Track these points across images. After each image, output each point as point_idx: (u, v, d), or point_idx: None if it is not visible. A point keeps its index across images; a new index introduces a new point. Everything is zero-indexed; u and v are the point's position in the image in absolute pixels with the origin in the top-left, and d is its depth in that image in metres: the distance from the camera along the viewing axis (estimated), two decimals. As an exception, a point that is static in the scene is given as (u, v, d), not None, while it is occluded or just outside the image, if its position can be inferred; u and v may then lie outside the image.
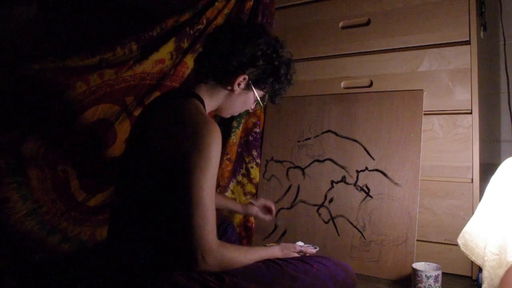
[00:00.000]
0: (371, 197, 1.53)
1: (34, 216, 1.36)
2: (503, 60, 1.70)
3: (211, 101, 1.11)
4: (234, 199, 1.77)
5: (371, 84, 1.62)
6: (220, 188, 1.75)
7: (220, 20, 1.69)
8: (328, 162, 1.64)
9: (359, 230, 1.52)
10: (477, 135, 1.42)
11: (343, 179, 1.59)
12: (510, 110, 1.68)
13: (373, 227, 1.50)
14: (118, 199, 1.07)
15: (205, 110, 1.06)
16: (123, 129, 1.53)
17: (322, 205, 1.62)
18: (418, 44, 1.53)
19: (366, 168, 1.55)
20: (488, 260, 1.02)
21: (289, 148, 1.74)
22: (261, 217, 1.51)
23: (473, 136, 1.43)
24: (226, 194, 1.77)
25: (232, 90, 1.09)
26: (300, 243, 1.18)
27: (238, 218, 1.73)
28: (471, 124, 1.43)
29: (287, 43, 1.15)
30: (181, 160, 0.90)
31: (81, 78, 1.45)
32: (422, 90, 1.51)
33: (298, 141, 1.72)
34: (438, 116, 1.49)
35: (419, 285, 1.26)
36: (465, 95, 1.45)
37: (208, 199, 0.89)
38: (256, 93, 1.12)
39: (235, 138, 1.76)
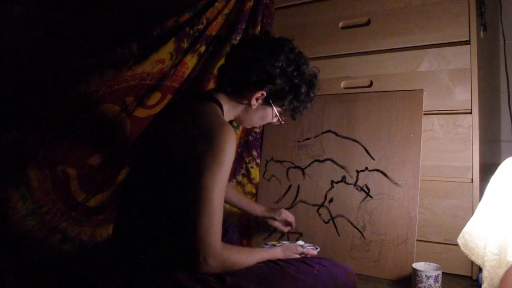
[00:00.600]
0: (371, 197, 1.53)
1: (34, 216, 1.36)
2: (503, 60, 1.70)
3: (230, 110, 1.11)
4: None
5: (371, 84, 1.62)
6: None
7: (220, 20, 1.69)
8: (328, 162, 1.64)
9: (359, 230, 1.52)
10: (477, 135, 1.42)
11: (343, 179, 1.59)
12: (510, 110, 1.68)
13: (373, 227, 1.50)
14: (126, 197, 1.08)
15: (223, 115, 1.06)
16: (123, 129, 1.53)
17: (322, 205, 1.62)
18: (418, 44, 1.53)
19: (366, 168, 1.55)
20: (488, 260, 1.02)
21: (289, 148, 1.74)
22: (280, 229, 1.55)
23: (473, 136, 1.43)
24: (226, 194, 1.77)
25: (249, 104, 1.08)
26: (300, 242, 1.18)
27: (238, 219, 1.73)
28: (471, 124, 1.43)
29: (287, 43, 1.14)
30: (195, 160, 0.90)
31: (81, 78, 1.45)
32: (422, 90, 1.51)
33: (298, 141, 1.72)
34: (438, 116, 1.49)
35: (419, 285, 1.26)
36: (465, 95, 1.45)
37: (217, 201, 0.89)
38: (275, 109, 1.11)
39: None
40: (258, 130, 1.80)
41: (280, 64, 1.05)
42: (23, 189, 1.34)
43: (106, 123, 1.50)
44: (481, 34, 1.46)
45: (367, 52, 1.63)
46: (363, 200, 1.54)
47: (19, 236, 1.32)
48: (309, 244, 1.20)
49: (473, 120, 1.43)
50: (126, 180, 1.11)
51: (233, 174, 1.78)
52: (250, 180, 1.78)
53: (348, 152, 1.60)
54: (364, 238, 1.51)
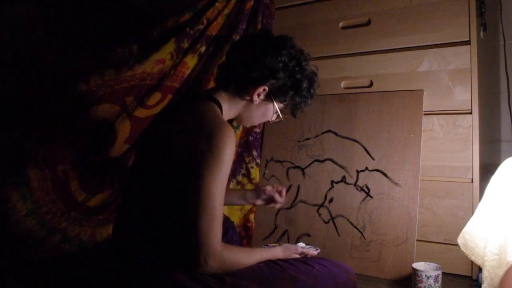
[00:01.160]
0: (371, 197, 1.53)
1: (34, 216, 1.36)
2: (503, 60, 1.70)
3: (230, 109, 1.10)
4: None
5: (371, 84, 1.62)
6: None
7: (220, 20, 1.69)
8: (328, 162, 1.64)
9: (359, 230, 1.52)
10: (477, 135, 1.42)
11: (343, 179, 1.59)
12: (510, 110, 1.68)
13: (373, 227, 1.50)
14: (126, 197, 1.08)
15: (222, 115, 1.05)
16: (123, 129, 1.53)
17: (322, 205, 1.62)
18: (418, 44, 1.53)
19: (366, 168, 1.55)
20: (488, 260, 1.02)
21: (289, 148, 1.74)
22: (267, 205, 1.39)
23: (473, 136, 1.43)
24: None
25: (251, 100, 1.08)
26: (301, 244, 1.18)
27: (238, 218, 1.73)
28: (471, 124, 1.43)
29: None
30: (195, 161, 0.91)
31: (81, 78, 1.45)
32: (422, 90, 1.51)
33: (298, 141, 1.72)
34: (438, 116, 1.49)
35: (419, 285, 1.26)
36: (465, 95, 1.45)
37: (217, 201, 0.89)
38: (276, 105, 1.12)
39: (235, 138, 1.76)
40: (258, 130, 1.80)
41: (283, 59, 1.06)
42: (23, 189, 1.34)
43: (106, 123, 1.50)
44: (481, 34, 1.46)
45: (367, 52, 1.63)
46: (363, 200, 1.54)
47: (19, 236, 1.32)
48: (309, 246, 1.20)
49: (473, 120, 1.43)
50: (126, 180, 1.11)
51: (233, 174, 1.78)
52: (250, 180, 1.78)
53: (348, 152, 1.60)
54: (364, 238, 1.51)
